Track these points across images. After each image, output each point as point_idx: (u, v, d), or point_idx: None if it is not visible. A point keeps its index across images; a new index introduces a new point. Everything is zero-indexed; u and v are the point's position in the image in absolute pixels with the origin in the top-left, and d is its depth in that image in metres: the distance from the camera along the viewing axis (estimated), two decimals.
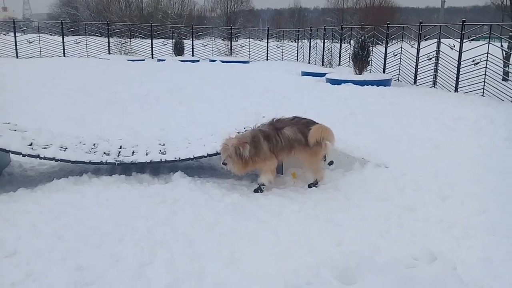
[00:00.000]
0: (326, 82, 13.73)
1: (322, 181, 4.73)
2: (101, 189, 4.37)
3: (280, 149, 4.56)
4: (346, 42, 19.84)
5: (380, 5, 56.00)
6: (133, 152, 4.95)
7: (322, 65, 20.23)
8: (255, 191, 4.53)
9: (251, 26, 41.43)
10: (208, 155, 4.77)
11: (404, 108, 8.95)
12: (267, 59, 24.19)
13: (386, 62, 15.52)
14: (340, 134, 5.28)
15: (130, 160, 4.70)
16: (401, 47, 14.77)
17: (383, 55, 15.60)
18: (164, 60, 20.16)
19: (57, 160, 4.49)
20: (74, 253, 3.12)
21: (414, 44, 14.28)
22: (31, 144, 4.62)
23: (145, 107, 9.16)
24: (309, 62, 22.48)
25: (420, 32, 13.85)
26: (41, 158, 4.45)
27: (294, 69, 18.46)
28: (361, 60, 14.02)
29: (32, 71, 13.78)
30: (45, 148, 4.63)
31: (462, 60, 11.98)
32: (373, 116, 8.31)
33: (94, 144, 5.12)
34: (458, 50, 12.09)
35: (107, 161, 4.65)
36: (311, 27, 24.34)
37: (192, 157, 4.76)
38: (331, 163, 5.13)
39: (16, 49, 20.38)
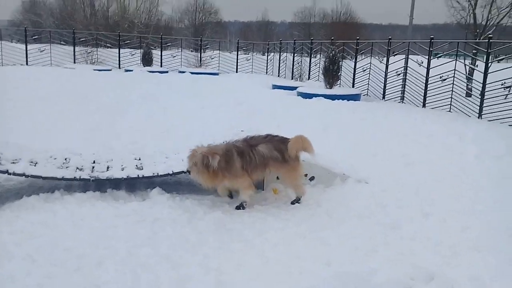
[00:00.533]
0: (298, 95, 13.80)
1: (304, 196, 4.66)
2: (75, 207, 4.14)
3: (254, 166, 4.39)
4: (314, 56, 20.12)
5: (345, 21, 57.44)
6: (107, 168, 4.74)
7: (292, 78, 20.39)
8: (237, 208, 4.41)
9: (218, 38, 41.42)
10: (188, 170, 4.62)
11: (376, 124, 9.07)
12: (236, 71, 24.16)
13: (355, 77, 15.81)
14: (318, 149, 5.25)
15: (106, 176, 4.49)
16: (370, 63, 15.08)
17: (352, 69, 15.88)
18: (132, 70, 19.77)
19: (27, 176, 4.23)
20: (50, 278, 2.91)
21: (383, 59, 14.61)
22: None
23: (114, 118, 8.86)
24: (278, 75, 22.61)
25: (389, 48, 14.20)
26: (10, 173, 4.19)
27: (264, 82, 18.51)
28: (331, 75, 14.20)
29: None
30: (13, 163, 4.36)
31: (429, 76, 12.34)
32: (346, 131, 8.36)
33: (65, 159, 4.87)
34: (426, 67, 12.44)
35: (81, 177, 4.42)
36: (281, 40, 24.57)
37: (171, 172, 4.61)
38: (312, 178, 5.09)
39: None
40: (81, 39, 22.70)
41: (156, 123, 8.53)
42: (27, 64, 20.22)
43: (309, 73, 19.52)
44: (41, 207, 4.10)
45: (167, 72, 21.03)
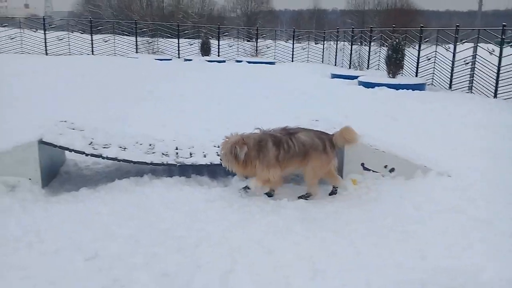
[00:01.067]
0: (359, 85, 13.56)
1: (315, 197, 4.38)
2: (163, 191, 4.30)
3: (292, 155, 4.12)
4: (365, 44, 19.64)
5: (401, 7, 55.47)
6: (190, 154, 4.87)
7: (349, 67, 20.04)
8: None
9: (270, 27, 41.32)
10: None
11: (449, 114, 8.74)
12: (292, 61, 24.06)
13: (418, 66, 15.27)
14: (391, 140, 5.15)
15: (191, 162, 4.62)
16: (435, 51, 14.51)
17: (416, 58, 15.34)
18: (191, 60, 20.17)
19: (119, 161, 4.44)
20: (155, 258, 3.04)
21: (449, 48, 14.01)
22: (91, 143, 4.58)
23: (184, 106, 9.09)
24: (335, 64, 22.28)
25: (456, 35, 13.58)
26: (103, 157, 4.40)
27: (322, 71, 18.34)
28: (395, 63, 13.80)
29: (65, 69, 13.86)
30: (105, 147, 4.58)
31: (501, 65, 11.70)
32: (418, 122, 8.13)
33: (150, 145, 5.05)
34: (498, 55, 11.80)
35: (168, 162, 4.58)
36: (338, 29, 24.13)
37: None
38: (392, 170, 4.98)
39: (45, 47, 20.60)
40: (143, 29, 23.39)
41: (224, 112, 8.67)
42: (92, 53, 21.14)
43: (368, 62, 19.08)
44: (133, 190, 4.29)
45: (224, 61, 21.29)
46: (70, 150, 4.33)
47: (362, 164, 4.96)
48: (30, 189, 4.23)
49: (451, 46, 13.71)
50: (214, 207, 3.98)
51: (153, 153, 4.77)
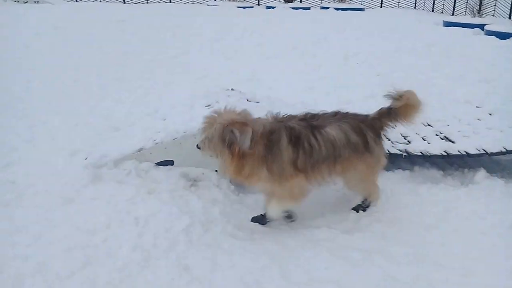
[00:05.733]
0: (487, 34, 11.57)
1: (377, 202, 3.06)
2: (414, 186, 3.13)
3: (317, 160, 2.68)
4: None
5: None
6: (404, 137, 3.66)
7: (453, 14, 17.69)
8: (254, 220, 2.90)
9: None
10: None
11: None
12: (381, 6, 21.74)
13: None
14: None
15: (419, 151, 3.41)
16: None
17: None
18: (274, 7, 18.44)
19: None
20: None
21: None
22: None
23: (310, 65, 7.73)
24: (432, 11, 19.85)
25: None
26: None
27: (427, 18, 16.20)
28: None
29: (157, 18, 12.76)
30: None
31: None
32: None
33: None
34: None
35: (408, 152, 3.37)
36: None
37: (504, 150, 3.36)
38: None
39: None
40: None
41: (368, 71, 7.28)
42: (170, 1, 19.94)
43: (480, 7, 16.59)
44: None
45: (309, 8, 19.42)
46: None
47: None
48: (217, 184, 3.21)
49: None
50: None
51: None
